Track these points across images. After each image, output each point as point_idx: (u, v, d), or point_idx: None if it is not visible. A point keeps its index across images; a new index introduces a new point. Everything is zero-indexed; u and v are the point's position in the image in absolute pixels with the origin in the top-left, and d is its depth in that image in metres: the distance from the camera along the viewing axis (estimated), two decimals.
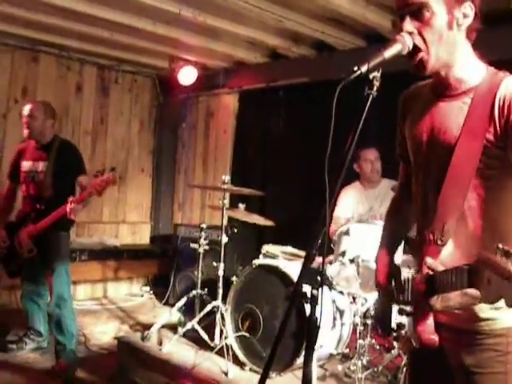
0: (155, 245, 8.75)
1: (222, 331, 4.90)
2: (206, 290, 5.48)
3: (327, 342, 4.52)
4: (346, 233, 4.66)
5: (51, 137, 5.23)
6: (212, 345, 4.93)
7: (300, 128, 7.01)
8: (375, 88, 1.87)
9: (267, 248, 5.40)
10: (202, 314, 5.13)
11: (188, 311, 5.56)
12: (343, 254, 4.58)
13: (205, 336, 5.01)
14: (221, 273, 5.24)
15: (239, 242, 6.84)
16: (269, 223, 5.57)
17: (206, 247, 5.67)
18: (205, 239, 5.66)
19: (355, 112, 1.91)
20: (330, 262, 4.69)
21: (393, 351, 4.56)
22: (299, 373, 4.32)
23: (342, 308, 4.67)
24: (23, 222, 5.11)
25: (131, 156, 8.78)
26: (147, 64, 8.24)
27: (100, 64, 8.21)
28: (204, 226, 5.69)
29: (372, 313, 4.51)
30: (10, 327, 5.64)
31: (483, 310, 1.95)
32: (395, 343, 4.53)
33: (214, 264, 5.32)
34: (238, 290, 4.85)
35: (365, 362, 4.40)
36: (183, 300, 5.42)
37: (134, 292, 8.27)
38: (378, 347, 4.69)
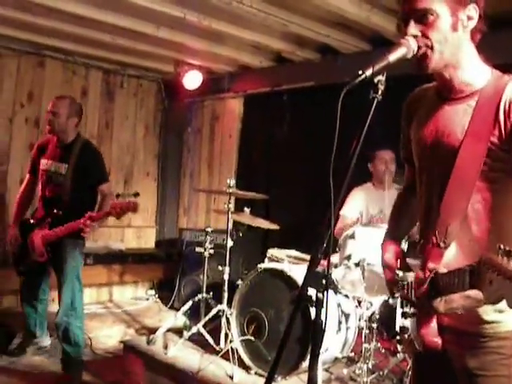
0: (160, 249, 8.75)
1: (227, 335, 4.90)
2: (212, 293, 5.48)
3: (332, 345, 4.51)
4: (352, 236, 4.66)
5: (74, 136, 5.06)
6: (217, 348, 4.93)
7: (305, 132, 7.01)
8: (380, 92, 1.87)
9: (272, 252, 5.40)
10: (207, 317, 5.14)
11: (193, 315, 5.56)
12: (348, 257, 4.57)
13: (210, 340, 5.01)
14: (226, 277, 5.24)
15: (244, 246, 6.84)
16: (274, 227, 5.58)
17: (212, 251, 5.67)
18: (210, 243, 5.66)
19: (360, 116, 1.91)
20: (336, 266, 4.68)
21: (398, 355, 4.55)
22: (304, 376, 4.31)
23: (347, 312, 4.67)
24: (39, 223, 4.97)
25: (136, 160, 8.79)
26: (152, 68, 8.27)
27: (105, 68, 8.23)
28: (209, 229, 5.69)
29: (377, 316, 4.51)
30: (16, 330, 5.62)
31: (487, 312, 1.96)
32: (399, 347, 4.53)
33: (220, 268, 5.32)
34: (244, 294, 4.85)
35: (370, 365, 4.38)
36: (188, 304, 5.41)
37: (140, 296, 8.27)
38: (383, 351, 4.69)
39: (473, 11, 2.00)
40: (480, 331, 1.99)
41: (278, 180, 7.32)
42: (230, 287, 5.20)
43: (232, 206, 5.35)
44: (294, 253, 5.47)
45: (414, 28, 1.97)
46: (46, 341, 5.52)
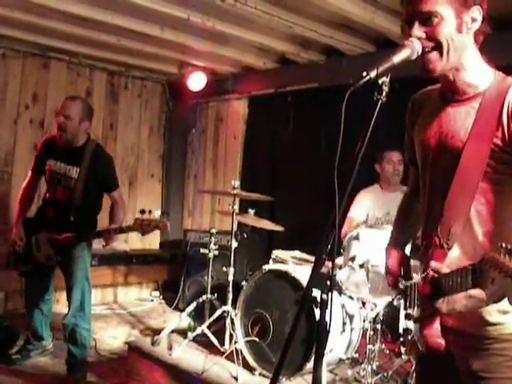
0: (165, 250, 8.76)
1: (231, 336, 4.91)
2: (216, 294, 5.48)
3: (337, 346, 4.52)
4: (356, 238, 4.66)
5: (84, 140, 4.93)
6: (222, 349, 4.94)
7: (309, 133, 7.01)
8: (384, 93, 1.88)
9: (277, 253, 5.40)
10: (211, 318, 5.14)
11: (198, 316, 5.57)
12: (353, 259, 4.58)
13: (215, 341, 5.02)
14: (231, 278, 5.24)
15: (249, 247, 6.85)
16: (278, 228, 5.59)
17: (216, 252, 5.68)
18: (214, 244, 5.67)
19: (365, 117, 1.91)
20: (340, 267, 4.69)
21: (403, 356, 4.55)
22: (309, 377, 4.32)
23: (351, 313, 4.67)
24: (45, 225, 4.88)
25: (141, 161, 8.80)
26: (156, 70, 8.27)
27: (110, 70, 8.24)
28: (214, 231, 5.69)
29: (381, 318, 4.51)
30: (20, 331, 5.62)
31: (491, 314, 1.96)
32: (402, 348, 4.53)
33: (224, 269, 5.33)
34: (248, 295, 4.86)
35: (374, 366, 4.39)
36: (193, 305, 5.42)
37: (144, 297, 8.28)
38: (387, 352, 4.69)
39: (476, 13, 2.00)
40: (484, 333, 1.99)
41: (283, 181, 7.32)
42: (234, 288, 5.21)
43: (236, 207, 5.36)
44: (298, 254, 5.47)
45: (418, 30, 1.97)
46: (50, 343, 5.50)
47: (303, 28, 5.81)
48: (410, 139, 2.34)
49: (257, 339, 4.66)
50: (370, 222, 5.56)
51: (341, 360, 4.67)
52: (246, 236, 6.60)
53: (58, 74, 7.69)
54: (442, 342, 1.98)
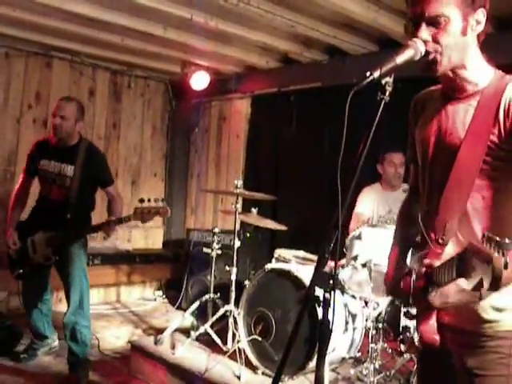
0: (168, 249, 8.76)
1: (234, 335, 4.91)
2: (219, 294, 5.49)
3: (339, 345, 4.52)
4: (358, 237, 4.67)
5: (77, 139, 4.99)
6: (225, 349, 4.95)
7: (312, 133, 7.01)
8: (387, 93, 1.89)
9: (279, 252, 5.40)
10: (214, 317, 5.15)
11: (201, 315, 5.57)
12: (355, 258, 4.58)
13: (217, 340, 5.03)
14: (233, 277, 5.25)
15: (252, 247, 6.86)
16: (281, 227, 5.59)
17: (219, 251, 5.68)
18: (217, 243, 5.67)
19: (368, 117, 1.92)
20: (342, 266, 4.69)
21: (405, 355, 4.56)
22: (311, 376, 4.34)
23: (354, 312, 4.68)
24: (41, 225, 4.89)
25: (144, 161, 8.81)
26: (159, 69, 8.28)
27: (112, 69, 8.25)
28: (217, 230, 5.70)
29: (384, 317, 4.52)
30: (21, 332, 5.63)
31: (486, 311, 1.97)
32: (402, 346, 4.54)
33: (227, 268, 5.33)
34: (251, 294, 4.86)
35: (377, 365, 4.39)
36: (196, 304, 5.42)
37: (147, 296, 8.29)
38: (390, 351, 4.70)
39: (481, 16, 2.01)
40: (479, 330, 2.01)
41: (286, 181, 7.32)
42: (237, 287, 5.21)
43: (239, 206, 5.36)
44: (301, 253, 5.47)
45: (425, 32, 1.98)
46: (56, 340, 5.51)
47: (306, 27, 5.81)
48: (412, 138, 2.36)
49: (259, 338, 4.67)
50: (373, 220, 5.56)
51: (343, 359, 4.68)
52: (248, 235, 6.61)
53: (61, 73, 7.71)
54: (437, 337, 1.99)
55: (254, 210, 5.46)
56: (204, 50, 6.89)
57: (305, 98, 7.15)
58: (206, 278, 6.28)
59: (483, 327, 2.00)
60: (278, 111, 7.60)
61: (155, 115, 8.95)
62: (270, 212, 6.79)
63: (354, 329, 4.65)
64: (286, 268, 4.73)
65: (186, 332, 5.32)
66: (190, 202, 9.06)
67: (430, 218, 2.10)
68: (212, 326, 5.13)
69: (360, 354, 4.76)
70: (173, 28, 6.21)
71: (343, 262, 4.76)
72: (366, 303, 4.64)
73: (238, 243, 5.36)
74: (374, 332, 4.49)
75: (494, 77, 2.06)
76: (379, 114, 1.90)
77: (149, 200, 4.61)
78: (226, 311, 5.08)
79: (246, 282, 4.96)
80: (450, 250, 1.99)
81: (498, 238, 1.51)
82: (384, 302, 4.51)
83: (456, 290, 1.79)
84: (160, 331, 5.47)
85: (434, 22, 1.97)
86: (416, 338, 2.10)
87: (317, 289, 1.91)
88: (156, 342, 5.14)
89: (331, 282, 1.88)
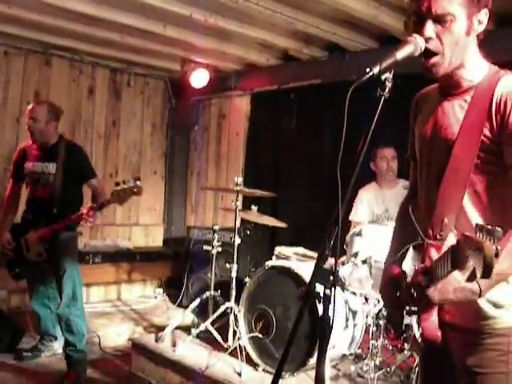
0: (168, 247, 8.77)
1: (235, 332, 4.91)
2: (219, 291, 5.49)
3: (340, 342, 4.52)
4: (359, 234, 4.67)
5: (56, 138, 5.16)
6: (225, 346, 4.94)
7: (312, 130, 7.01)
8: (387, 89, 1.89)
9: (280, 249, 5.40)
10: (215, 315, 5.15)
11: (201, 313, 5.58)
12: (356, 255, 4.58)
13: (218, 337, 5.03)
14: (234, 274, 5.25)
15: (252, 244, 6.85)
16: (281, 225, 5.59)
17: (219, 249, 5.68)
18: (218, 241, 5.67)
19: (367, 113, 1.92)
20: (343, 263, 4.70)
21: (405, 351, 4.56)
22: (312, 373, 4.31)
23: (354, 309, 4.68)
24: (31, 225, 5.01)
25: (144, 159, 8.82)
26: (159, 67, 8.27)
27: (112, 67, 8.24)
28: (217, 227, 5.70)
29: (384, 313, 4.52)
30: (23, 330, 5.65)
31: (485, 308, 1.97)
32: (405, 345, 4.55)
33: (227, 266, 5.33)
34: (251, 292, 4.87)
35: (377, 362, 4.39)
36: (196, 301, 5.43)
37: (148, 294, 8.29)
38: (390, 347, 4.70)
39: (484, 16, 2.01)
40: (478, 328, 2.01)
41: (286, 178, 7.32)
42: (237, 285, 5.22)
43: (239, 203, 5.36)
44: (301, 250, 5.47)
45: (431, 29, 1.97)
46: (60, 347, 5.49)
47: (306, 24, 5.81)
48: (413, 136, 2.36)
49: (260, 335, 4.67)
50: (369, 219, 5.55)
51: (344, 355, 4.68)
52: (249, 232, 6.60)
53: (61, 71, 7.71)
54: (439, 333, 1.99)
55: (254, 208, 5.47)
56: (204, 47, 6.89)
57: (305, 95, 7.15)
58: (207, 275, 6.28)
59: (482, 324, 2.00)
60: (277, 108, 7.60)
61: (155, 113, 8.95)
62: (270, 209, 6.79)
63: (354, 325, 4.65)
64: (286, 265, 4.72)
65: (186, 329, 5.32)
66: (190, 200, 9.07)
67: (428, 213, 2.10)
68: (213, 324, 5.13)
69: (360, 350, 4.76)
70: (172, 25, 6.21)
71: (343, 258, 4.76)
72: (367, 300, 4.65)
73: (238, 240, 5.36)
74: (375, 329, 4.49)
75: (488, 72, 2.07)
76: (379, 110, 1.89)
77: (124, 182, 4.70)
78: (227, 308, 5.08)
79: (247, 280, 4.97)
80: (448, 245, 1.99)
81: (489, 227, 1.51)
82: None
83: (455, 287, 1.79)
84: (161, 329, 5.47)
85: (440, 20, 1.97)
86: (418, 335, 2.09)
87: (317, 285, 1.91)
88: (157, 340, 5.14)
89: (332, 278, 1.88)
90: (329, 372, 4.39)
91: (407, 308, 2.14)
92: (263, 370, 4.60)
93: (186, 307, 5.72)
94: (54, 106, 5.28)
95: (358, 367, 4.55)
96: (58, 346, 5.49)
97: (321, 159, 6.67)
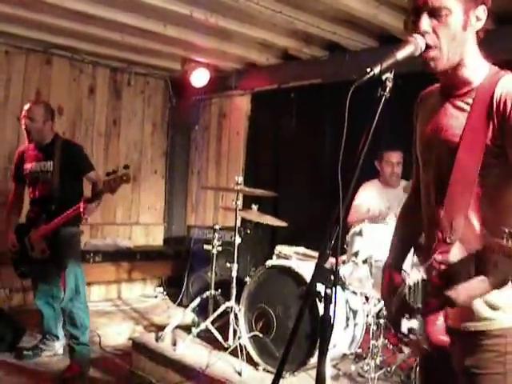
0: (169, 246, 8.78)
1: (235, 331, 4.92)
2: (220, 290, 5.49)
3: (340, 341, 4.52)
4: (359, 233, 4.67)
5: (51, 137, 5.21)
6: (226, 345, 4.94)
7: (312, 129, 7.01)
8: (388, 89, 1.89)
9: (280, 248, 5.40)
10: (215, 314, 5.15)
11: (201, 312, 5.58)
12: (356, 254, 4.58)
13: (218, 336, 5.03)
14: (234, 273, 5.25)
15: (252, 243, 6.86)
16: (282, 224, 5.59)
17: (220, 248, 5.68)
18: (218, 240, 5.67)
19: (368, 113, 1.92)
20: (343, 262, 4.70)
21: (406, 351, 4.57)
22: (313, 372, 4.34)
23: (355, 308, 4.68)
24: (33, 223, 5.09)
25: (144, 158, 8.82)
26: (159, 66, 8.28)
27: (112, 66, 8.25)
28: (217, 227, 5.70)
29: (385, 313, 4.52)
30: (24, 329, 5.65)
31: (482, 310, 1.97)
32: (406, 349, 4.56)
33: (228, 265, 5.34)
34: (252, 291, 4.87)
35: (378, 361, 4.39)
36: (197, 301, 5.43)
37: (148, 293, 8.30)
38: (390, 347, 4.70)
39: (482, 12, 2.01)
40: (475, 329, 2.00)
41: (286, 177, 7.32)
42: (238, 284, 5.22)
43: (240, 203, 5.36)
44: (301, 249, 5.47)
45: (426, 23, 1.98)
46: (61, 347, 5.53)
47: (306, 24, 5.82)
48: (415, 137, 2.36)
49: (260, 334, 4.67)
50: (372, 214, 5.54)
51: (344, 355, 4.69)
52: (249, 232, 6.60)
53: (61, 70, 7.72)
54: (446, 338, 1.99)
55: (255, 207, 5.47)
56: (204, 46, 6.89)
57: (305, 94, 7.15)
58: (207, 274, 6.28)
59: (478, 326, 1.99)
60: (278, 108, 7.60)
61: (155, 112, 8.96)
62: (270, 208, 6.79)
63: (354, 325, 4.66)
64: (286, 264, 4.73)
65: (187, 329, 5.32)
66: (190, 199, 9.07)
67: (435, 217, 2.09)
68: (213, 323, 5.13)
69: (361, 350, 4.77)
70: (173, 25, 6.22)
71: (344, 258, 4.77)
72: (367, 299, 4.65)
73: (238, 240, 5.37)
74: (375, 328, 4.50)
75: (488, 73, 2.06)
76: (379, 110, 1.90)
77: (114, 171, 4.82)
78: (227, 308, 5.09)
79: (247, 279, 4.97)
80: (458, 249, 1.98)
81: None
82: None
83: (475, 284, 1.78)
84: (161, 328, 5.47)
85: (436, 14, 1.97)
86: (422, 339, 2.08)
87: (318, 285, 1.91)
88: (157, 339, 5.14)
89: (333, 277, 1.88)
90: (329, 371, 4.39)
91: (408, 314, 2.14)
92: (263, 369, 4.60)
93: (186, 306, 5.73)
94: (49, 106, 5.35)
95: (358, 367, 4.55)
96: (59, 346, 5.51)
97: (321, 158, 6.68)
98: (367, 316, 4.63)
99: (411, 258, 2.38)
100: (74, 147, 5.31)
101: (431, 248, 2.04)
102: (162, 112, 9.04)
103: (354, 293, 4.71)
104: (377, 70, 1.83)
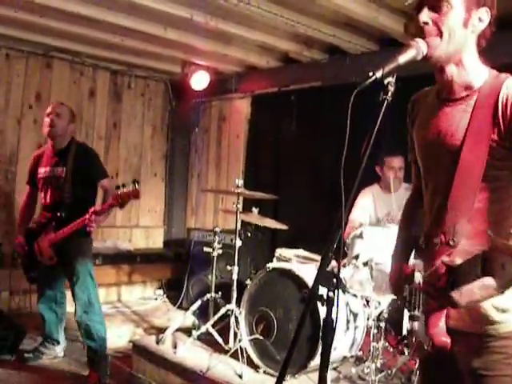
0: (168, 249, 8.78)
1: (236, 334, 4.93)
2: (220, 293, 5.50)
3: (341, 344, 4.53)
4: (360, 236, 4.67)
5: (68, 141, 5.18)
6: (226, 348, 4.96)
7: (312, 132, 7.01)
8: (390, 93, 1.90)
9: (280, 251, 5.41)
10: (216, 317, 5.16)
11: (202, 315, 5.58)
12: (357, 257, 4.58)
13: (219, 339, 5.04)
14: (235, 276, 5.26)
15: (252, 246, 6.86)
16: (282, 227, 5.60)
17: (220, 251, 5.69)
18: (218, 243, 5.68)
19: (369, 116, 1.93)
20: (344, 265, 4.70)
21: (406, 354, 4.57)
22: (313, 375, 4.36)
23: (355, 311, 4.69)
24: (43, 229, 5.04)
25: (144, 161, 8.82)
26: (159, 69, 8.28)
27: (113, 69, 8.25)
28: (218, 229, 5.71)
29: (385, 316, 4.53)
30: (25, 331, 5.65)
31: (490, 313, 1.98)
32: (406, 350, 4.56)
33: (228, 268, 5.34)
34: (252, 294, 4.88)
35: (378, 364, 4.40)
36: (197, 303, 5.44)
37: (148, 296, 8.29)
38: (391, 350, 4.71)
39: (485, 14, 2.03)
40: (483, 332, 2.01)
41: (286, 180, 7.32)
42: (238, 287, 5.23)
43: (240, 206, 5.37)
44: (302, 252, 5.48)
45: (426, 14, 2.01)
46: (62, 351, 5.54)
47: (306, 27, 5.82)
48: (412, 140, 2.36)
49: (261, 337, 4.68)
50: (371, 222, 5.54)
51: (345, 358, 4.69)
52: (249, 234, 6.61)
53: (62, 73, 7.71)
54: (448, 340, 2.00)
55: (255, 210, 5.48)
56: (204, 49, 6.90)
57: (305, 97, 7.15)
58: (207, 277, 6.28)
59: (487, 328, 2.00)
60: (278, 111, 7.61)
61: (155, 115, 8.96)
62: (270, 211, 6.80)
63: (355, 328, 4.66)
64: (287, 267, 4.74)
65: (187, 331, 5.33)
66: (190, 202, 9.07)
67: (437, 220, 2.10)
68: (213, 326, 5.14)
69: (361, 352, 4.77)
70: (173, 28, 6.22)
71: (345, 261, 4.77)
72: (368, 302, 4.65)
73: (239, 242, 5.38)
74: (376, 331, 4.50)
75: (488, 76, 2.07)
76: (381, 114, 1.90)
77: (123, 185, 4.72)
78: (228, 310, 5.10)
79: (248, 282, 4.98)
80: (460, 252, 1.98)
81: None
82: (385, 300, 4.52)
83: (480, 285, 1.79)
84: (161, 331, 5.49)
85: (436, 7, 2.00)
86: (422, 340, 2.09)
87: (320, 288, 1.91)
88: (158, 342, 5.16)
89: (335, 280, 1.88)
90: (330, 374, 4.39)
91: (412, 313, 2.15)
92: (264, 371, 4.61)
93: (186, 309, 5.73)
94: (73, 111, 5.37)
95: (358, 369, 4.56)
96: (59, 350, 5.51)
97: (321, 161, 6.68)
98: (368, 319, 4.63)
99: (412, 259, 2.39)
100: (87, 153, 5.28)
101: (433, 250, 2.05)
102: (162, 115, 9.04)
103: (355, 295, 4.72)
104: (379, 74, 1.84)
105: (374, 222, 5.52)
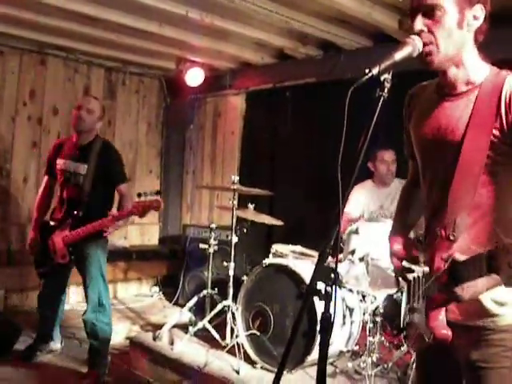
0: (164, 245, 8.78)
1: (232, 330, 4.94)
2: (216, 289, 5.52)
3: (337, 339, 4.55)
4: (356, 231, 4.70)
5: (94, 137, 5.10)
6: (223, 344, 4.97)
7: (307, 128, 7.03)
8: (386, 90, 1.91)
9: (276, 247, 5.42)
10: (212, 313, 5.18)
11: (198, 311, 5.60)
12: (352, 252, 4.61)
13: (216, 335, 5.06)
14: (231, 272, 5.27)
15: (248, 242, 6.86)
16: (278, 223, 5.61)
17: (216, 247, 5.70)
18: (214, 239, 5.69)
19: (365, 113, 1.94)
20: (340, 261, 4.72)
21: (402, 348, 4.60)
22: (310, 370, 4.38)
23: (351, 306, 4.70)
24: (58, 224, 4.98)
25: (139, 157, 8.81)
26: (154, 66, 8.27)
27: (107, 66, 8.24)
28: (213, 226, 5.72)
29: (381, 310, 4.55)
30: (21, 329, 5.64)
31: (489, 306, 2.00)
32: (404, 343, 4.58)
33: (224, 264, 5.36)
34: (249, 289, 4.89)
35: (374, 358, 4.42)
36: (194, 300, 5.45)
37: (144, 292, 8.28)
38: (387, 344, 4.73)
39: (479, 11, 2.04)
40: (482, 324, 2.03)
41: (281, 176, 7.33)
42: (234, 283, 5.24)
43: (235, 202, 5.38)
44: (298, 248, 5.49)
45: (420, 22, 2.02)
46: (58, 344, 5.52)
47: (301, 23, 5.82)
48: (408, 134, 2.38)
49: (258, 333, 4.70)
50: (365, 216, 5.56)
51: (341, 352, 4.71)
52: (245, 231, 6.62)
53: (56, 70, 7.69)
54: (449, 332, 2.02)
55: (251, 206, 5.49)
56: (199, 46, 6.89)
57: (300, 93, 7.16)
58: (203, 273, 6.31)
59: (486, 321, 2.02)
60: (273, 107, 7.61)
61: (150, 112, 8.94)
62: (266, 207, 6.81)
63: (351, 322, 4.68)
64: (283, 263, 4.75)
65: (184, 328, 5.33)
66: (185, 199, 9.07)
67: (437, 214, 2.11)
68: (210, 322, 5.16)
69: (358, 347, 4.79)
70: (168, 25, 6.20)
71: (341, 256, 4.79)
72: (364, 297, 4.68)
73: (235, 239, 5.39)
74: (372, 325, 4.53)
75: (489, 73, 2.09)
76: (378, 110, 1.92)
77: (145, 193, 4.68)
78: (224, 306, 5.11)
79: (244, 278, 4.99)
80: (460, 246, 1.99)
81: None
82: (381, 295, 4.54)
83: (484, 282, 1.80)
84: (158, 327, 5.49)
85: (430, 13, 2.01)
86: (423, 332, 2.10)
87: (318, 283, 1.93)
88: (154, 338, 5.16)
89: (333, 276, 1.90)
90: (326, 369, 4.41)
91: (411, 306, 2.17)
92: (261, 367, 4.63)
93: (182, 306, 5.75)
94: (104, 108, 5.33)
95: (355, 364, 4.58)
96: (53, 346, 5.47)
97: (316, 157, 6.70)
98: (364, 313, 4.66)
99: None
100: (111, 153, 5.17)
101: (433, 245, 2.07)
102: (157, 112, 9.03)
103: (351, 291, 4.74)
104: (375, 70, 1.86)
105: (367, 216, 5.54)
